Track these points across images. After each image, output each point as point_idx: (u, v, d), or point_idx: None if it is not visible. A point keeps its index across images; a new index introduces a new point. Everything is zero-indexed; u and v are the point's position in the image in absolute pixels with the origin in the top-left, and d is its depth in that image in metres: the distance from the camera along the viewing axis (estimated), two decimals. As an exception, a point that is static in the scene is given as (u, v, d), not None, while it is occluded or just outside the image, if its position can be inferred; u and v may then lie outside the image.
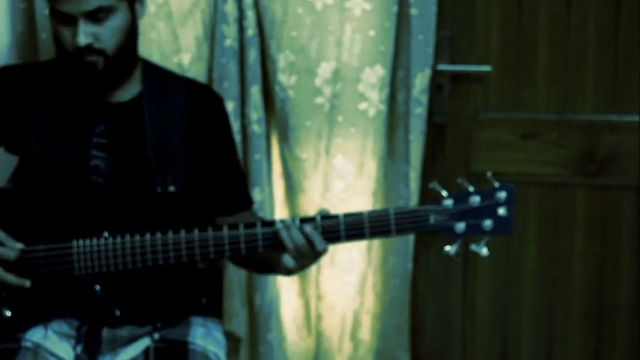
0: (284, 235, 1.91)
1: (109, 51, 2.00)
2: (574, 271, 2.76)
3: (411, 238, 2.66)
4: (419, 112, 2.59)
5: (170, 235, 1.94)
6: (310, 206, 2.58)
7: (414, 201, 2.61)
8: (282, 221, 1.93)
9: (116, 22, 2.01)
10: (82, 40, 1.96)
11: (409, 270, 2.67)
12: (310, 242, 1.90)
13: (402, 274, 2.66)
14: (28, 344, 2.03)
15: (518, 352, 2.82)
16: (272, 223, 1.94)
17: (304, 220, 1.92)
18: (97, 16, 1.97)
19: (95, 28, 1.98)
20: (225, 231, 1.93)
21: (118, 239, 1.95)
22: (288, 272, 1.99)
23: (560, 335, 2.80)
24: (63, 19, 1.98)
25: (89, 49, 1.98)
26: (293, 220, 1.92)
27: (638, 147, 2.66)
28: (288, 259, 1.92)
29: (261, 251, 1.93)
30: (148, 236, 1.94)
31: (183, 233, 1.93)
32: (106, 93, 2.08)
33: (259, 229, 1.93)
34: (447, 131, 2.72)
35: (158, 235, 1.94)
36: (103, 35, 1.99)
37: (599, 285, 2.76)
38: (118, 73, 2.06)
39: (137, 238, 1.94)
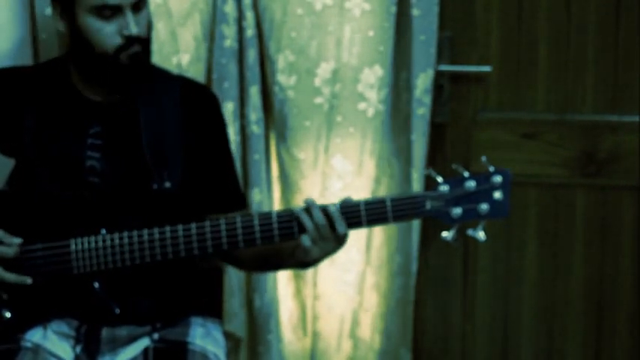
0: (304, 216, 1.91)
1: (143, 38, 2.03)
2: (574, 271, 2.76)
3: (415, 238, 2.66)
4: (421, 112, 2.59)
5: (180, 228, 1.94)
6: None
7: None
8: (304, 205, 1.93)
9: (147, 10, 2.05)
10: (135, 29, 1.99)
11: (414, 270, 2.67)
12: (331, 223, 1.90)
13: (406, 274, 2.66)
14: (28, 344, 2.04)
15: (518, 351, 2.83)
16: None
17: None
18: (139, 5, 2.01)
19: (136, 17, 2.01)
20: (239, 220, 1.92)
21: (116, 236, 1.95)
22: (306, 261, 1.97)
23: (560, 335, 2.80)
24: (107, 14, 1.98)
25: (134, 38, 2.00)
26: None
27: (638, 147, 2.66)
28: (306, 240, 1.91)
29: (277, 240, 1.93)
30: (145, 232, 1.94)
31: (194, 226, 1.93)
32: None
33: (274, 213, 1.93)
34: (447, 131, 2.72)
35: (167, 229, 1.94)
36: (141, 23, 2.02)
37: (599, 285, 2.76)
38: (148, 61, 2.08)
39: (135, 234, 1.95)
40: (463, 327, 2.83)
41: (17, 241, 1.97)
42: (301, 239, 1.92)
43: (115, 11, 1.98)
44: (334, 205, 1.92)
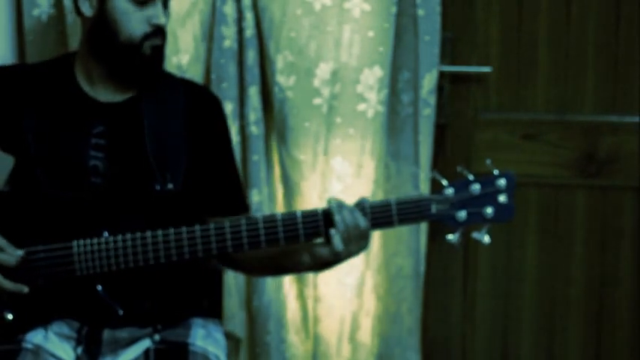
0: (337, 215, 1.89)
1: (166, 31, 2.06)
2: (574, 271, 2.77)
3: (423, 239, 2.66)
4: (427, 113, 2.60)
5: (184, 230, 1.93)
6: (308, 207, 2.56)
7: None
8: (333, 202, 1.91)
9: (169, 10, 2.09)
10: (164, 20, 2.04)
11: (421, 272, 2.67)
12: (356, 224, 1.90)
13: (413, 276, 2.64)
14: (29, 346, 2.03)
15: (518, 351, 2.83)
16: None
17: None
18: (167, 3, 2.07)
19: (164, 11, 2.06)
20: (244, 223, 1.91)
21: (119, 238, 1.94)
22: (328, 263, 1.96)
23: (560, 335, 2.80)
24: (141, 0, 2.01)
25: (160, 29, 2.03)
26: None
27: (638, 148, 2.67)
28: (337, 242, 1.89)
29: (302, 240, 1.92)
30: (149, 234, 1.94)
31: (198, 227, 1.93)
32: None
33: (299, 213, 1.91)
34: (448, 132, 2.73)
35: (171, 231, 1.93)
36: (166, 18, 2.07)
37: (599, 285, 2.77)
38: (164, 58, 2.10)
39: (138, 236, 1.94)
40: (463, 327, 2.83)
41: (20, 252, 1.97)
42: (333, 240, 1.89)
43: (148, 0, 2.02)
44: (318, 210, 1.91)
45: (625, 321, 2.77)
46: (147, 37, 2.02)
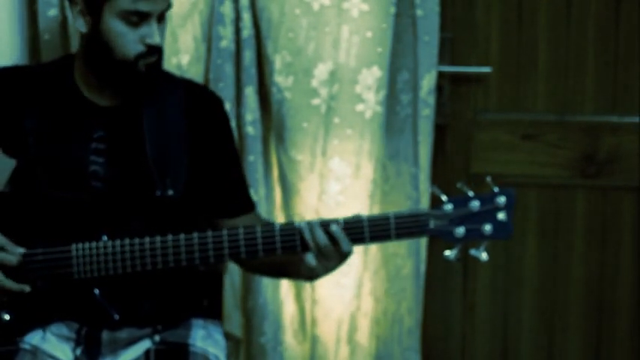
0: (307, 234, 1.91)
1: (161, 48, 2.04)
2: (574, 272, 2.77)
3: (423, 240, 2.65)
4: (426, 113, 2.59)
5: (182, 237, 1.93)
6: (306, 208, 2.57)
7: (424, 202, 2.60)
8: (306, 221, 1.93)
9: (166, 20, 2.07)
10: (158, 39, 2.01)
11: (422, 272, 2.67)
12: (335, 243, 1.90)
13: (413, 277, 2.64)
14: (27, 346, 2.04)
15: (518, 352, 2.83)
16: (290, 223, 1.95)
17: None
18: (164, 15, 2.03)
19: (159, 27, 2.03)
20: (241, 231, 1.92)
21: (117, 243, 1.95)
22: (310, 276, 1.98)
23: (560, 336, 2.80)
24: (134, 20, 1.99)
25: (155, 48, 2.01)
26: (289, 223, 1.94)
27: (638, 148, 2.66)
28: (311, 259, 1.92)
29: (279, 253, 1.93)
30: (147, 240, 1.94)
31: (196, 235, 1.93)
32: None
33: (277, 228, 1.92)
34: (447, 132, 2.73)
35: (169, 237, 1.94)
36: (162, 34, 2.04)
37: (599, 286, 2.77)
38: (161, 70, 2.09)
39: (136, 241, 1.94)
40: (463, 327, 2.83)
41: (20, 250, 1.97)
42: (306, 258, 1.92)
43: (143, 18, 1.99)
44: (338, 223, 1.91)
45: (625, 321, 2.77)
46: (141, 56, 2.00)
